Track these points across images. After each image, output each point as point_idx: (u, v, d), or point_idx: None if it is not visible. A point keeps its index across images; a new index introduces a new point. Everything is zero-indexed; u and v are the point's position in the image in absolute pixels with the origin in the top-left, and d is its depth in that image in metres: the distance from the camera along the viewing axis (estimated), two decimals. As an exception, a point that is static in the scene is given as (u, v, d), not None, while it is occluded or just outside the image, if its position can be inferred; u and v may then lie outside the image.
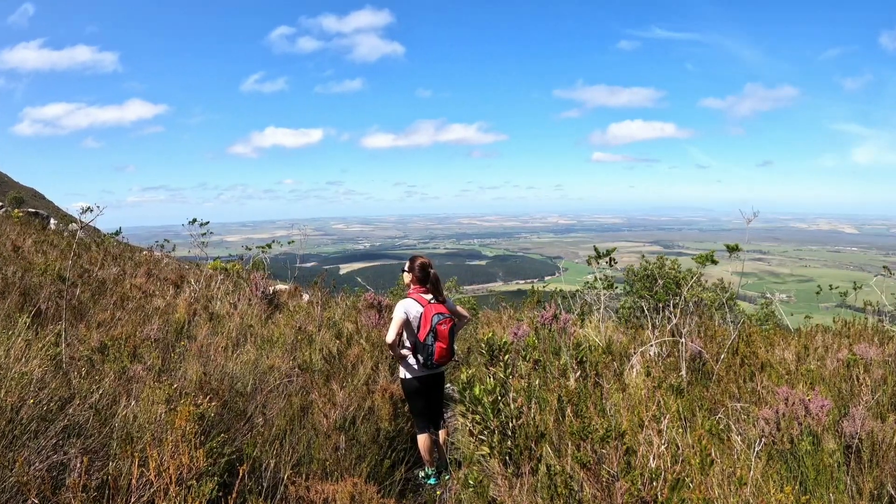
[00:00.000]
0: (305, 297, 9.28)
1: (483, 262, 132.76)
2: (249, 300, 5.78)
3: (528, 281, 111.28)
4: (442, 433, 4.21)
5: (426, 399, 4.07)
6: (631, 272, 10.74)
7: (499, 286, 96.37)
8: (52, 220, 16.36)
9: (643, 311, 9.58)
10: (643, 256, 10.57)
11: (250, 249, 8.46)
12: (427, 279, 4.09)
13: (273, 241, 8.71)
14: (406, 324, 3.96)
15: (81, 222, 3.74)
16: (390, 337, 3.86)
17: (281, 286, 9.30)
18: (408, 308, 3.98)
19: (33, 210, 16.19)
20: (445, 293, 4.25)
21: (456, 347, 4.37)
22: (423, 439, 4.02)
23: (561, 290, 11.55)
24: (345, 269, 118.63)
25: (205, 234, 8.70)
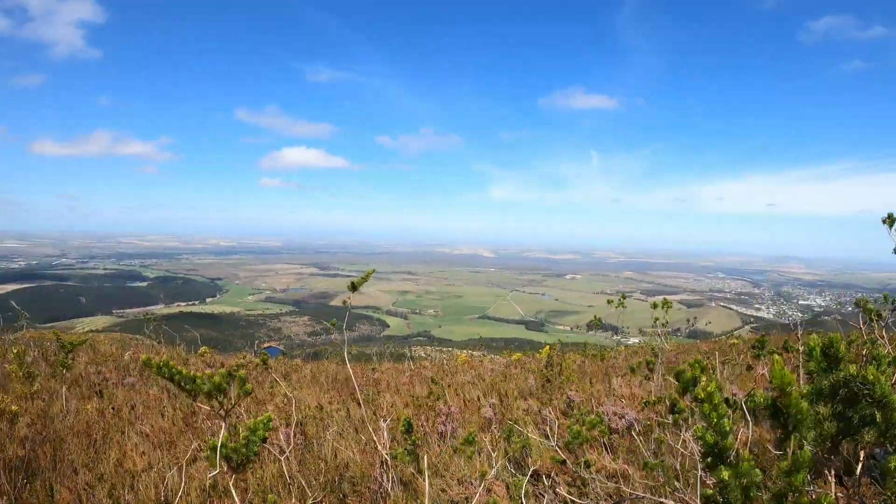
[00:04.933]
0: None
1: (144, 284, 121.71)
2: None
3: (190, 303, 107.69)
4: None
5: None
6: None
7: (160, 309, 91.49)
8: None
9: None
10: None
11: None
12: None
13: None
14: None
15: None
16: None
17: None
18: None
19: None
20: None
21: None
22: None
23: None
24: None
25: None
